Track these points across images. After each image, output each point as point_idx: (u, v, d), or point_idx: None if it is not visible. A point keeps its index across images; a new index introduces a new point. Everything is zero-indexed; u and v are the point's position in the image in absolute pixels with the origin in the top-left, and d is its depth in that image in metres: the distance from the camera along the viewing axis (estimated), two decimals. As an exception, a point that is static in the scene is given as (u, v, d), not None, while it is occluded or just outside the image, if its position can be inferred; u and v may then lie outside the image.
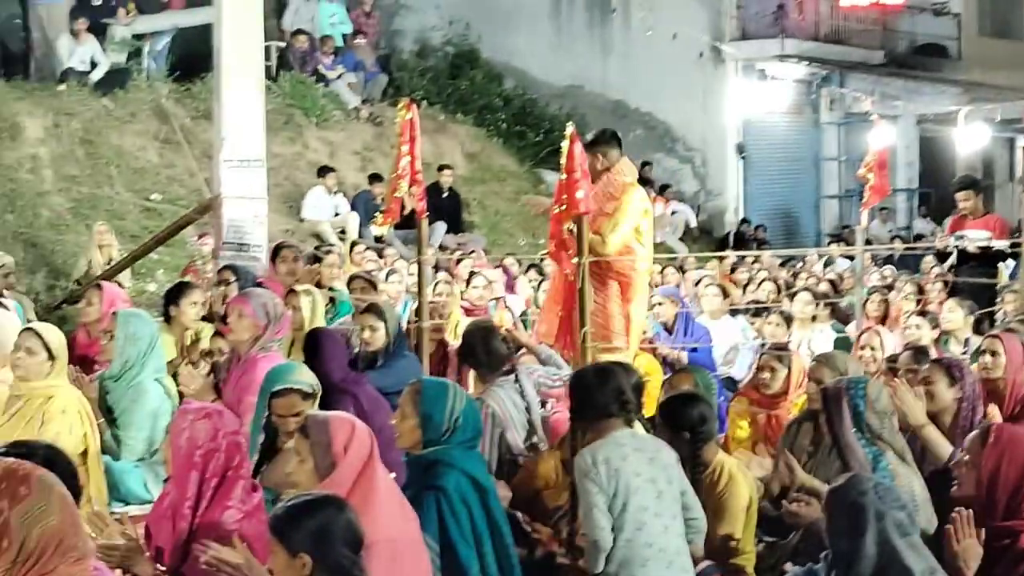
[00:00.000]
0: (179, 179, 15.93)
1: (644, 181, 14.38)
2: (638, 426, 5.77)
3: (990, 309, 10.83)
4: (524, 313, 11.73)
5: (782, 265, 17.02)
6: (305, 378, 5.88)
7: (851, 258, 15.48)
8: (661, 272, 14.76)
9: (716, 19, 23.17)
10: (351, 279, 10.43)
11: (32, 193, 14.39)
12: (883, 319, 10.90)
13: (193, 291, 8.75)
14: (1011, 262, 12.93)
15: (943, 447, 5.93)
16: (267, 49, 16.18)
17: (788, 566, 5.63)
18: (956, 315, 10.03)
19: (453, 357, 8.87)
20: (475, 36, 23.42)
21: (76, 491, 3.74)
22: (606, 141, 8.50)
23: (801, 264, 17.41)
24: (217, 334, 8.25)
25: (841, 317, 12.04)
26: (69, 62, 16.02)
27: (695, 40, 22.18)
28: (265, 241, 10.61)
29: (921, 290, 12.41)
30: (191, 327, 8.57)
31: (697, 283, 12.75)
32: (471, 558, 5.10)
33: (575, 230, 8.11)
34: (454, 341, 9.29)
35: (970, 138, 21.65)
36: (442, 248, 16.70)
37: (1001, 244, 11.68)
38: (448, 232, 17.65)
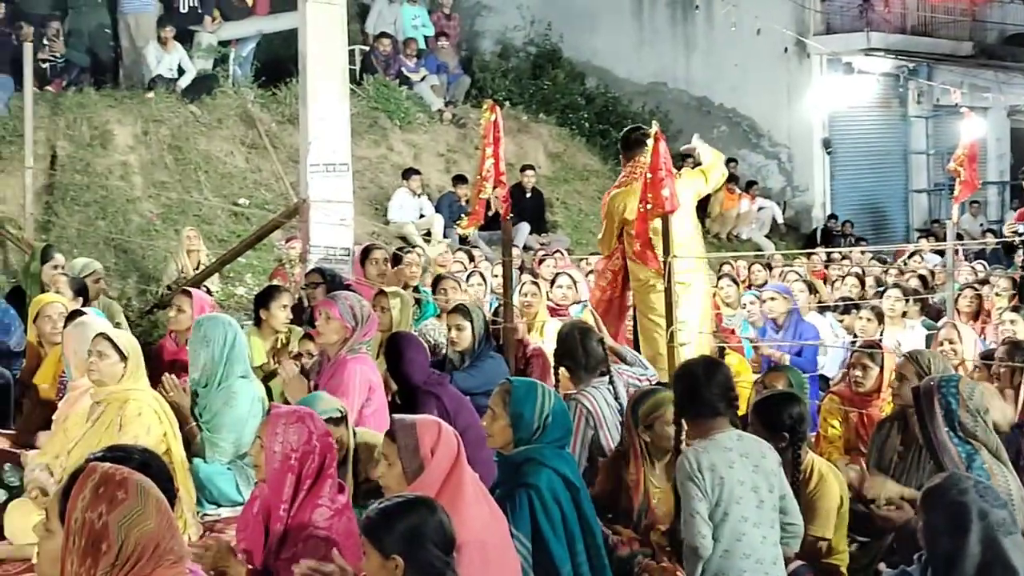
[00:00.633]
0: (266, 183, 16.07)
1: (730, 177, 14.36)
2: None
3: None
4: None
5: (881, 262, 16.81)
6: (332, 406, 5.86)
7: (941, 253, 15.27)
8: (749, 269, 14.68)
9: (800, 13, 22.93)
10: (436, 280, 10.46)
11: (122, 199, 14.60)
12: (976, 315, 10.73)
13: (282, 294, 8.81)
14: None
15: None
16: (351, 53, 16.30)
17: (882, 566, 5.56)
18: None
19: (536, 357, 8.86)
20: (557, 35, 23.42)
21: (171, 494, 3.78)
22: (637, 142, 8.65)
23: (893, 260, 17.21)
24: (307, 336, 8.32)
25: (932, 313, 11.87)
26: (157, 70, 16.21)
27: (779, 35, 21.93)
28: (352, 244, 10.68)
29: (1015, 284, 12.19)
30: (281, 330, 8.64)
31: (783, 279, 12.66)
32: (563, 556, 5.10)
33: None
34: (540, 341, 9.28)
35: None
36: (526, 248, 16.70)
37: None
38: (531, 232, 17.63)
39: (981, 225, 23.32)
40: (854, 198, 24.23)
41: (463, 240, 15.64)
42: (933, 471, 5.44)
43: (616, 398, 6.70)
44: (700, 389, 5.40)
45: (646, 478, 6.08)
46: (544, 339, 9.29)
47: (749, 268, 14.72)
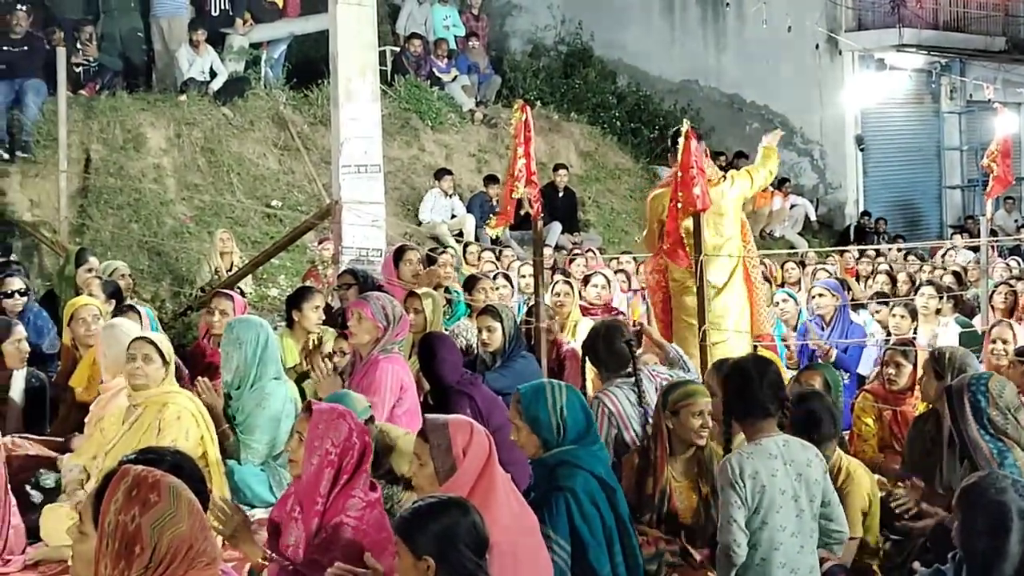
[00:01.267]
0: (298, 185, 16.13)
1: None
2: None
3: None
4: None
5: (919, 258, 16.72)
6: (361, 406, 5.88)
7: (975, 249, 15.17)
8: (782, 267, 14.63)
9: (832, 10, 22.84)
10: (468, 280, 10.46)
11: (156, 202, 14.68)
12: (1010, 311, 10.66)
13: (315, 295, 8.83)
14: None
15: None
16: (382, 54, 16.32)
17: (916, 565, 5.52)
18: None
19: (570, 357, 8.85)
20: (587, 34, 23.43)
21: (204, 496, 3.80)
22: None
23: (930, 256, 17.13)
24: (340, 337, 8.35)
25: (966, 310, 11.80)
26: (189, 72, 16.28)
27: (811, 31, 21.87)
28: (384, 245, 10.71)
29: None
30: (313, 331, 8.67)
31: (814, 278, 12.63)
32: (602, 558, 5.09)
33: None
34: (572, 341, 9.26)
35: (1097, 124, 21.11)
36: (558, 248, 16.69)
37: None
38: (564, 232, 17.64)
39: (1016, 221, 23.17)
40: (887, 195, 24.12)
41: (494, 240, 15.64)
42: (967, 469, 5.41)
43: (640, 399, 6.63)
44: (752, 388, 5.31)
45: (667, 470, 6.04)
46: (576, 339, 9.27)
47: (782, 266, 14.67)
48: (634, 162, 21.30)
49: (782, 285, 13.37)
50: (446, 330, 8.74)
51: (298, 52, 18.17)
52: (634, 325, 9.26)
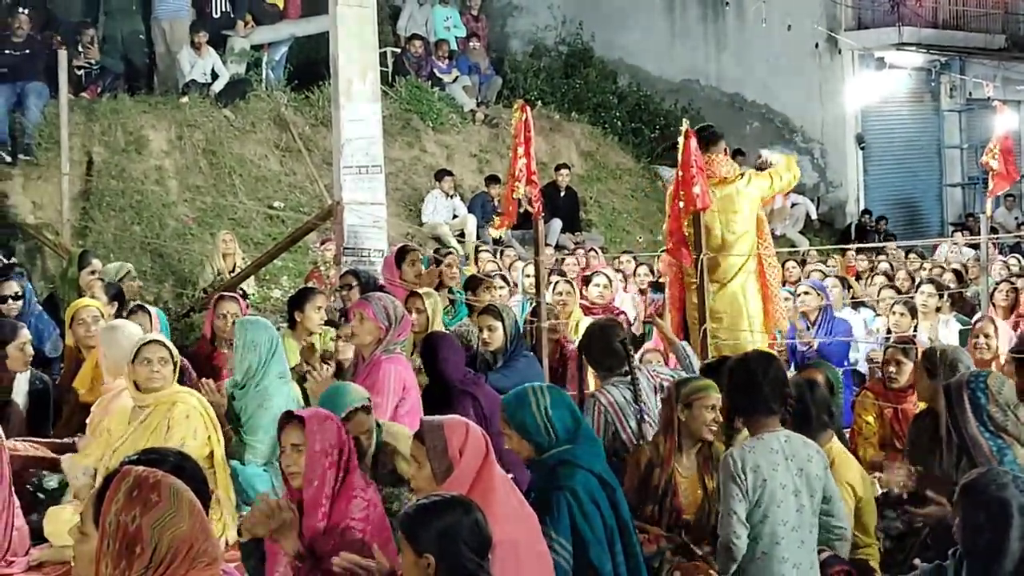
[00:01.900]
0: (300, 186, 16.15)
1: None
2: None
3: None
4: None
5: (920, 257, 16.73)
6: (361, 395, 5.92)
7: (976, 247, 15.17)
8: (783, 265, 14.64)
9: (831, 9, 22.85)
10: (468, 280, 10.48)
11: (158, 204, 14.71)
12: (1011, 309, 10.68)
13: (317, 296, 8.85)
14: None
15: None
16: (383, 55, 16.35)
17: (916, 561, 5.54)
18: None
19: (574, 357, 8.86)
20: (588, 35, 23.45)
21: (205, 496, 3.82)
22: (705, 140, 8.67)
23: (930, 255, 17.13)
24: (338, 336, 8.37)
25: (966, 309, 11.81)
26: (191, 75, 16.30)
27: (810, 31, 21.88)
28: (385, 246, 10.73)
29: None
30: (315, 332, 8.68)
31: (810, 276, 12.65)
32: (603, 557, 5.09)
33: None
34: (574, 339, 9.27)
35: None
36: (559, 247, 16.70)
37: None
38: (565, 231, 17.65)
39: (1016, 218, 23.15)
40: (887, 193, 24.12)
41: (496, 241, 15.66)
42: (967, 466, 5.42)
43: (636, 398, 6.64)
44: (757, 384, 5.34)
45: (674, 464, 6.06)
46: (578, 338, 9.28)
47: (783, 265, 14.68)
48: (635, 162, 21.31)
49: (783, 284, 13.37)
50: (448, 330, 8.75)
51: (299, 54, 18.18)
52: (647, 319, 9.28)
